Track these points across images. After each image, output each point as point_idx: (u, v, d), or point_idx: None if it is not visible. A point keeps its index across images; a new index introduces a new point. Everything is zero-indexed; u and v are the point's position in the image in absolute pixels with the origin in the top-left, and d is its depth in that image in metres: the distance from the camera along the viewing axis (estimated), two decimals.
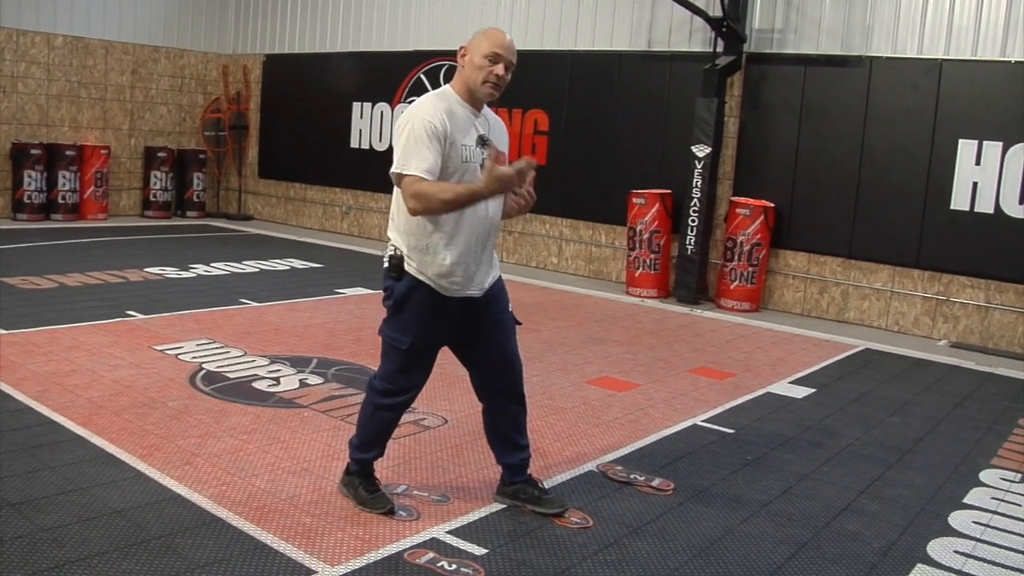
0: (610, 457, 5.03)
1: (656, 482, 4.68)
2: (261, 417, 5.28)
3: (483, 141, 3.89)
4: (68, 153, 13.63)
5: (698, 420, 5.86)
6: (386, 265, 3.93)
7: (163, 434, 4.88)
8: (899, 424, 6.10)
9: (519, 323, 4.21)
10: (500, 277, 4.14)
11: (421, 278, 3.86)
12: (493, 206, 3.93)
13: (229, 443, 4.83)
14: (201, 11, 15.60)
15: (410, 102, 4.17)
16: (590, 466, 4.87)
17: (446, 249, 3.82)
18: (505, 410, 4.18)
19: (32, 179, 13.29)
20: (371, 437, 4.13)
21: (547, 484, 4.47)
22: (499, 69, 3.82)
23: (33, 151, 13.25)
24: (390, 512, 4.04)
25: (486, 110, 4.01)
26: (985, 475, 5.17)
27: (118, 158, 14.68)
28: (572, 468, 4.82)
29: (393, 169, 3.75)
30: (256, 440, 4.90)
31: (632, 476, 4.74)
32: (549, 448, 5.10)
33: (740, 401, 6.40)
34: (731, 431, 5.68)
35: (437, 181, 3.70)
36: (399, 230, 3.90)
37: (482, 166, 3.81)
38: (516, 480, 4.25)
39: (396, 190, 3.84)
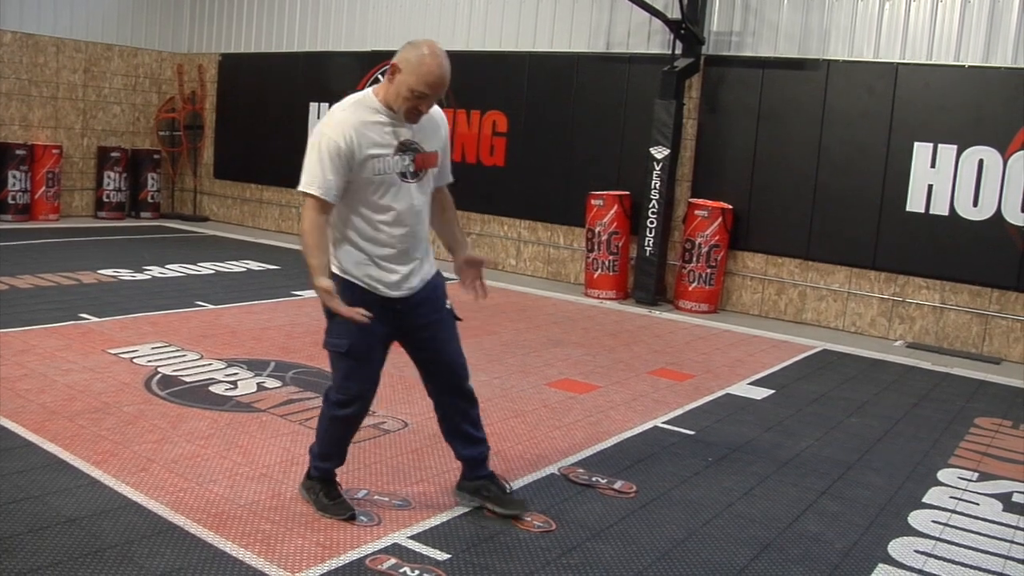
0: (571, 460, 5.01)
1: (618, 484, 4.67)
2: (218, 422, 5.20)
3: (404, 147, 3.79)
4: (18, 152, 13.37)
5: (659, 422, 5.86)
6: None
7: (118, 440, 4.79)
8: (858, 424, 6.15)
9: (459, 319, 4.14)
10: (438, 273, 4.06)
11: (347, 277, 3.83)
12: (413, 216, 3.86)
13: (186, 448, 4.75)
14: (156, 9, 15.38)
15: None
16: (551, 469, 4.85)
17: (364, 243, 3.81)
18: (453, 406, 4.15)
19: None
20: (329, 448, 4.09)
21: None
22: (423, 106, 3.73)
23: None
24: (351, 518, 3.99)
25: None
26: (943, 474, 5.22)
27: (70, 158, 14.44)
28: (533, 471, 4.79)
29: (300, 186, 3.71)
30: (213, 445, 4.82)
31: (594, 479, 4.73)
32: (510, 451, 5.07)
33: (700, 403, 6.41)
34: (692, 433, 5.69)
35: (321, 226, 3.70)
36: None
37: (403, 174, 3.78)
38: (479, 475, 4.21)
39: None
